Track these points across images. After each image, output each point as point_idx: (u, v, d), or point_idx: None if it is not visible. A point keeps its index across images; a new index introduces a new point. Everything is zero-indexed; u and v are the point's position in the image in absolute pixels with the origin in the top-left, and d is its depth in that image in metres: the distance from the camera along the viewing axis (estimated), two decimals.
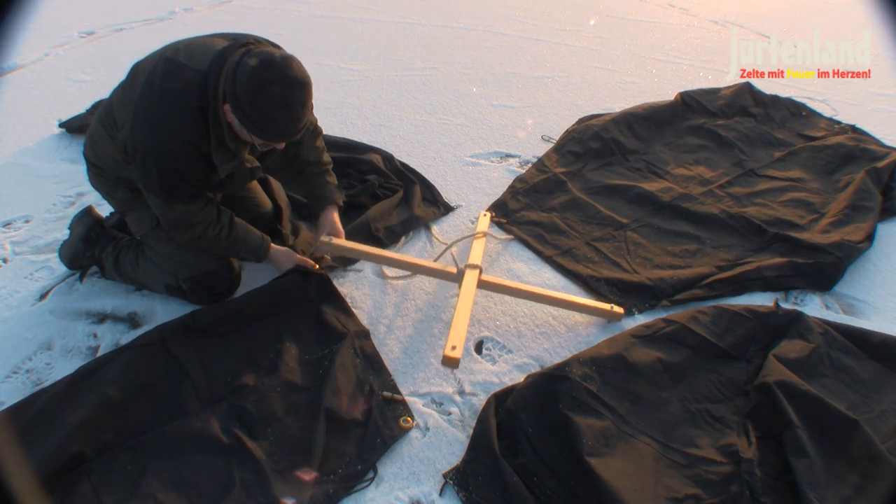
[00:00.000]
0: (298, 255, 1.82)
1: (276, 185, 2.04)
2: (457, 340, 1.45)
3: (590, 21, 4.53)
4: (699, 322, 1.64)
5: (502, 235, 2.14)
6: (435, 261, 1.88)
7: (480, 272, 1.75)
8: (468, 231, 2.09)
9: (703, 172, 2.48)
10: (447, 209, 2.26)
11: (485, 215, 2.18)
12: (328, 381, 1.51)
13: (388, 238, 2.08)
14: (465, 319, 1.53)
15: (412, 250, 2.07)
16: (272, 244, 1.77)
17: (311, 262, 1.82)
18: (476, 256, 1.82)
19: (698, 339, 1.61)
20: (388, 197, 2.23)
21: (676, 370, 1.55)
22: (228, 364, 1.56)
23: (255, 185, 1.94)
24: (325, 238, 1.78)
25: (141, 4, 4.47)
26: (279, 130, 1.43)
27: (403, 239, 2.10)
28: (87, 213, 1.84)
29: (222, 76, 1.42)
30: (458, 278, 1.74)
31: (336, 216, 1.86)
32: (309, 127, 1.78)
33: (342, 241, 1.80)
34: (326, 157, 1.89)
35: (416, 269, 1.82)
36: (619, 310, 1.74)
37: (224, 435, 1.38)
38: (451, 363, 1.43)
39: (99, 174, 1.70)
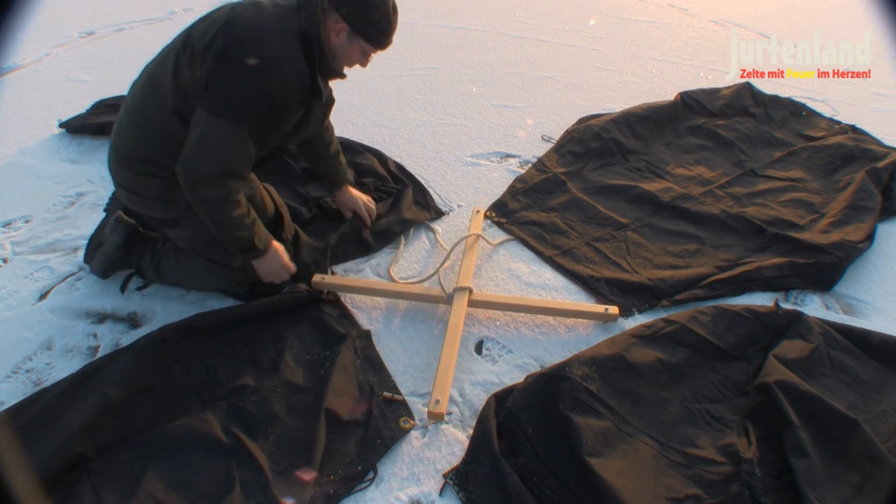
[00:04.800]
0: (286, 258, 1.73)
1: (273, 192, 2.02)
2: (441, 393, 1.46)
3: (590, 21, 4.52)
4: (699, 322, 1.64)
5: (500, 237, 2.14)
6: (423, 282, 1.89)
7: (470, 293, 1.76)
8: (465, 235, 2.08)
9: (703, 172, 2.48)
10: (438, 213, 2.24)
11: (478, 212, 2.17)
12: (329, 381, 1.51)
13: (378, 243, 2.07)
14: (450, 366, 1.53)
15: (415, 252, 2.07)
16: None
17: (293, 267, 1.75)
18: (465, 276, 1.83)
19: (698, 339, 1.61)
20: (384, 200, 2.23)
21: (676, 370, 1.55)
22: (229, 364, 1.56)
23: (261, 186, 1.93)
24: (317, 277, 1.80)
25: (141, 4, 4.47)
26: (391, 31, 1.53)
27: (403, 240, 2.10)
28: (120, 220, 1.78)
29: (320, 4, 1.46)
30: (448, 301, 1.76)
31: (353, 191, 2.05)
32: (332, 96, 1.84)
33: (334, 279, 1.83)
34: (336, 139, 1.99)
35: (405, 297, 1.83)
36: (613, 311, 1.73)
37: (224, 435, 1.38)
38: (436, 417, 1.45)
39: (149, 176, 1.56)
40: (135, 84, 1.62)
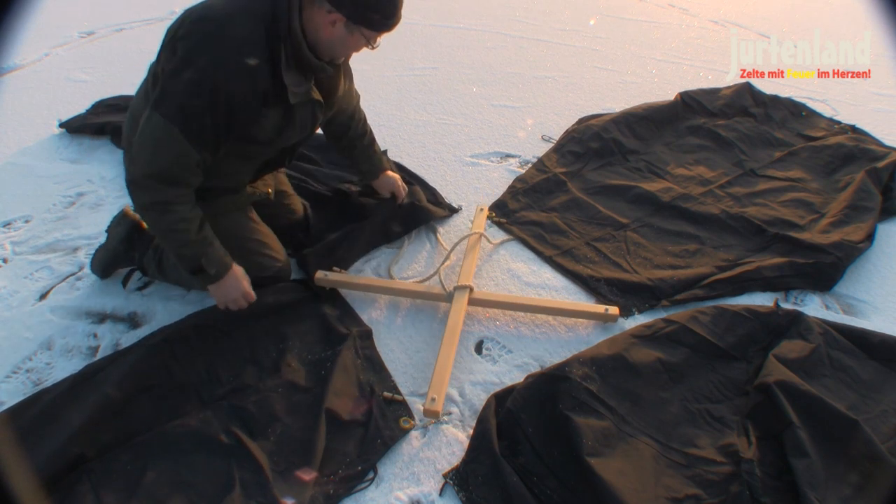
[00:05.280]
0: (246, 285, 1.58)
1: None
2: (437, 391, 1.46)
3: (590, 21, 4.52)
4: (699, 322, 1.64)
5: (500, 237, 2.14)
6: (425, 280, 1.89)
7: (471, 291, 1.76)
8: (468, 233, 2.08)
9: (703, 172, 2.48)
10: (451, 210, 2.25)
11: (481, 210, 2.18)
12: (329, 381, 1.51)
13: (399, 231, 2.08)
14: (448, 364, 1.54)
15: (415, 252, 2.07)
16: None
17: (254, 296, 1.61)
18: (466, 274, 1.83)
19: (698, 339, 1.61)
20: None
21: (676, 370, 1.55)
22: (230, 364, 1.56)
23: (290, 188, 1.96)
24: (320, 274, 1.81)
25: (141, 4, 4.47)
26: (396, 11, 1.36)
27: (406, 241, 2.10)
28: (125, 215, 1.79)
29: None
30: (448, 300, 1.77)
31: (389, 174, 2.04)
32: (356, 94, 1.87)
33: (336, 276, 1.82)
34: (369, 127, 1.98)
35: (407, 294, 1.83)
36: (613, 311, 1.73)
37: (224, 435, 1.38)
38: (431, 415, 1.45)
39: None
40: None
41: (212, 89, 1.29)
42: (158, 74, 1.38)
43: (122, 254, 1.77)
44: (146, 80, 1.54)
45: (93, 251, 1.86)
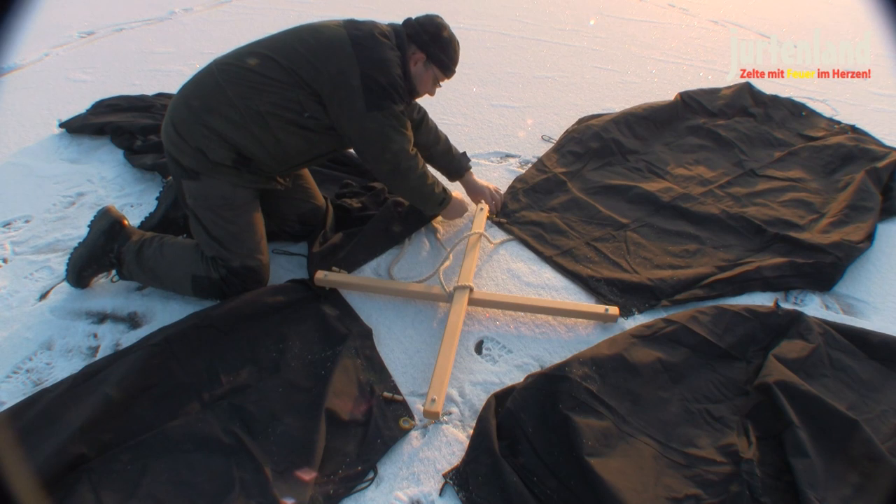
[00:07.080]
0: (463, 198, 2.11)
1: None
2: (437, 392, 1.47)
3: (590, 21, 4.53)
4: (699, 322, 1.64)
5: (500, 237, 2.14)
6: (424, 280, 1.89)
7: (471, 291, 1.77)
8: (468, 233, 2.08)
9: (703, 172, 2.48)
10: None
11: (481, 210, 2.18)
12: (329, 381, 1.51)
13: (403, 232, 2.09)
14: (448, 365, 1.54)
15: (415, 253, 2.07)
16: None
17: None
18: (466, 274, 1.84)
19: (698, 339, 1.61)
20: (398, 200, 2.21)
21: (676, 370, 1.55)
22: (230, 364, 1.56)
23: (310, 177, 2.08)
24: (320, 274, 1.82)
25: (141, 4, 4.48)
26: (456, 62, 1.88)
27: (407, 241, 2.10)
28: (108, 211, 1.81)
29: (404, 38, 1.79)
30: (448, 300, 1.77)
31: (478, 180, 2.26)
32: (421, 109, 2.15)
33: (336, 276, 1.83)
34: (443, 134, 2.20)
35: (407, 295, 1.84)
36: (614, 311, 1.73)
37: (224, 435, 1.38)
38: (431, 416, 1.45)
39: (200, 124, 1.64)
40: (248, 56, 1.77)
41: (399, 80, 1.74)
42: (330, 81, 1.67)
43: (100, 247, 1.75)
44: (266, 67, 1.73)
45: None
